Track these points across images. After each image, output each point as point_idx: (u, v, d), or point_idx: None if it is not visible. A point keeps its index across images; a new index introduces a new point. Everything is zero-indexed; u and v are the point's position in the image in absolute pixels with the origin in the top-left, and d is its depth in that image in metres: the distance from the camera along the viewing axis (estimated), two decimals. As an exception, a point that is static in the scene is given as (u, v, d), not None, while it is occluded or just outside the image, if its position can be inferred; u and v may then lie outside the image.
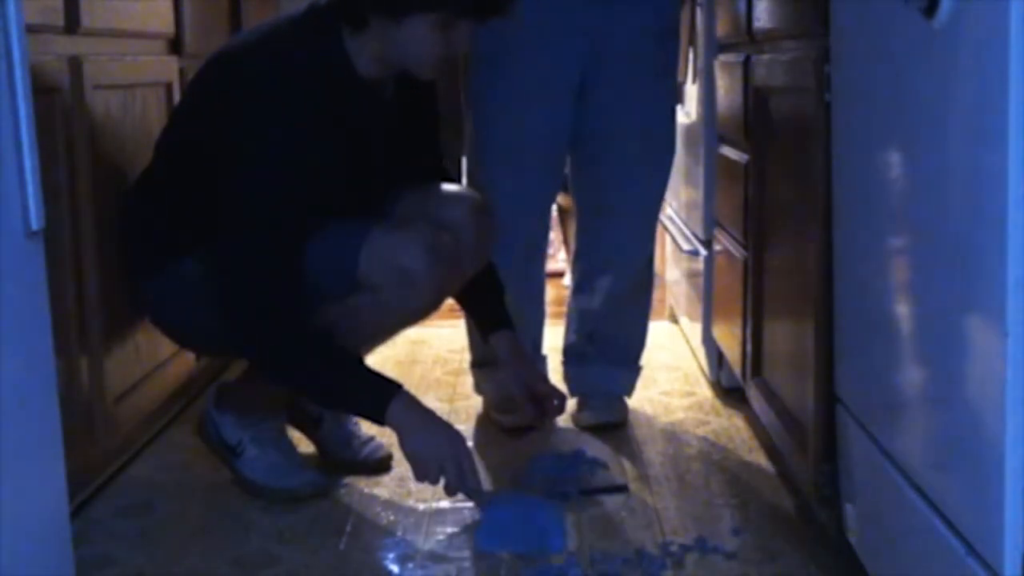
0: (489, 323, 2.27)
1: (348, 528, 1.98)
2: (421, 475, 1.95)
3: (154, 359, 2.25)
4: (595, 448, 2.22)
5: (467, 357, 2.64)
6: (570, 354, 2.58)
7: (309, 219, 1.97)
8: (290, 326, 1.93)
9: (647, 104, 2.43)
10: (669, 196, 3.48)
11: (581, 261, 2.57)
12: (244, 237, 1.91)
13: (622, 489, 2.11)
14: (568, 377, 2.57)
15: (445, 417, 2.53)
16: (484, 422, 2.52)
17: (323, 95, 1.94)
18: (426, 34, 1.91)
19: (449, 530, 1.97)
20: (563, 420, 2.50)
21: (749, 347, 2.26)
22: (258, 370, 2.06)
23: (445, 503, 2.08)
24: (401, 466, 2.25)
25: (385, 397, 1.93)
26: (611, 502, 2.06)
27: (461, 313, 2.43)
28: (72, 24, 1.89)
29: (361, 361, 2.04)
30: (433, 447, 1.94)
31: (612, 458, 2.22)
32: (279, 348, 1.94)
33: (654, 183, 2.51)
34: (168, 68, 2.37)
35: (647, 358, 2.61)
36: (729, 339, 2.46)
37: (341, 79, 1.96)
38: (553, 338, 2.64)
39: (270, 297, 1.92)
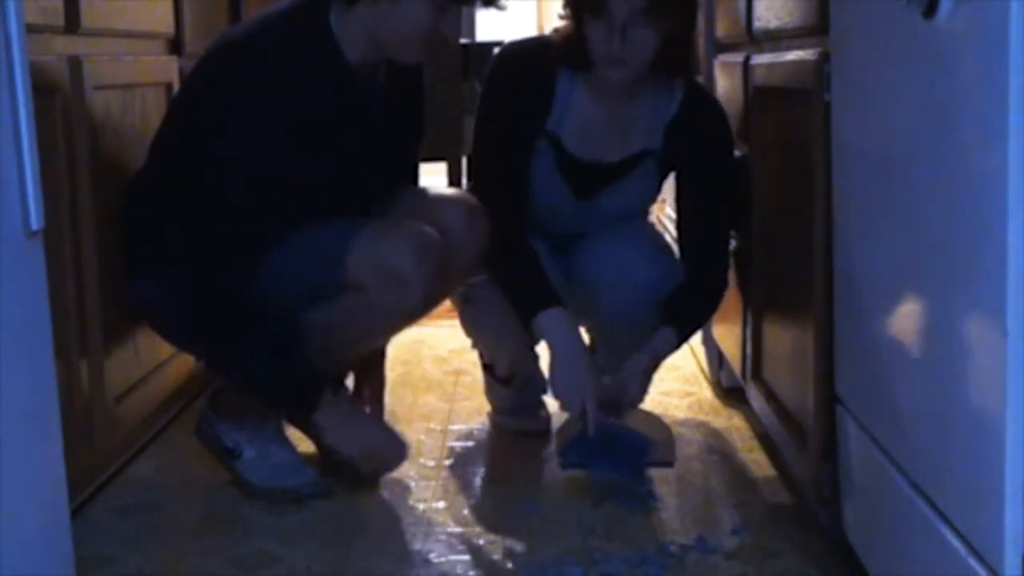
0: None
1: (348, 528, 1.98)
2: (369, 469, 2.14)
3: (154, 359, 2.25)
4: (642, 419, 2.19)
5: (468, 357, 2.62)
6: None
7: (299, 200, 2.01)
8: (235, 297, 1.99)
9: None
10: (668, 196, 3.48)
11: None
12: (222, 211, 2.00)
13: (668, 464, 2.11)
14: None
15: (445, 416, 2.56)
16: (486, 423, 2.52)
17: (307, 80, 1.97)
18: (421, 15, 1.95)
19: (449, 530, 1.97)
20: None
21: (749, 347, 2.26)
22: (197, 332, 2.09)
23: (444, 503, 2.08)
24: (401, 466, 2.25)
25: (312, 396, 2.05)
26: (611, 502, 2.07)
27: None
28: (72, 24, 1.89)
29: (298, 350, 2.05)
30: (362, 437, 2.11)
31: (661, 429, 2.20)
32: (223, 316, 2.01)
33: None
34: (168, 68, 2.37)
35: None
36: (729, 339, 2.46)
37: (328, 64, 1.99)
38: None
39: (234, 265, 1.99)
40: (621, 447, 2.07)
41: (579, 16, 2.12)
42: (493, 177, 2.24)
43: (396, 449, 2.16)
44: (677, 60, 2.16)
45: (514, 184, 2.21)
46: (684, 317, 2.23)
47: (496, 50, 2.36)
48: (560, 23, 2.19)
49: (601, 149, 2.26)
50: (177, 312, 2.06)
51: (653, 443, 2.10)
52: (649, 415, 2.24)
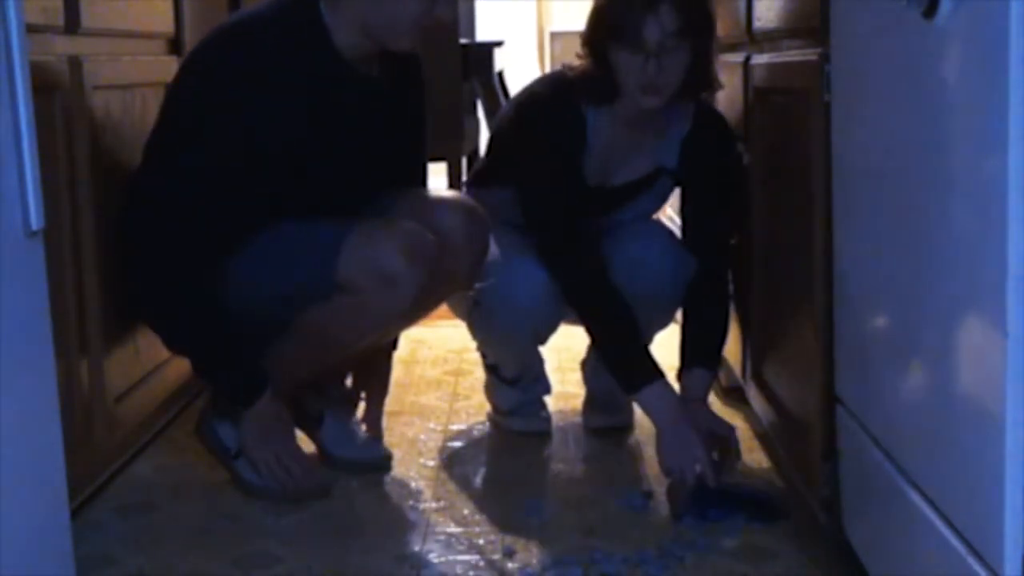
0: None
1: (348, 528, 1.98)
2: (270, 484, 2.09)
3: (154, 359, 2.25)
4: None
5: (468, 357, 2.62)
6: (590, 357, 2.55)
7: (296, 196, 2.03)
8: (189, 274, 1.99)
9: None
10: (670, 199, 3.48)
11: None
12: (169, 181, 1.99)
13: (786, 516, 2.01)
14: (586, 377, 2.54)
15: (445, 416, 2.56)
16: (486, 423, 2.52)
17: (302, 74, 1.97)
18: (414, 1, 1.96)
19: (449, 530, 1.97)
20: (566, 418, 2.51)
21: (749, 347, 2.26)
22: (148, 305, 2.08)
23: (444, 503, 2.08)
24: (401, 466, 2.25)
25: (254, 391, 2.03)
26: (611, 502, 2.06)
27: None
28: (72, 24, 1.89)
29: (239, 338, 2.04)
30: (264, 449, 2.07)
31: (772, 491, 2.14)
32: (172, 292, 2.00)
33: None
34: (168, 68, 2.37)
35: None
36: (729, 339, 2.46)
37: (321, 56, 1.99)
38: (557, 338, 2.63)
39: (180, 243, 1.98)
40: (745, 499, 2.02)
41: (605, 49, 2.10)
42: (563, 227, 2.20)
43: (309, 486, 2.10)
44: (703, 77, 2.16)
45: (584, 230, 2.21)
46: (706, 351, 2.25)
47: (511, 97, 2.35)
48: (576, 61, 2.19)
49: (619, 174, 2.28)
50: (156, 297, 2.06)
51: (771, 496, 2.05)
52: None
